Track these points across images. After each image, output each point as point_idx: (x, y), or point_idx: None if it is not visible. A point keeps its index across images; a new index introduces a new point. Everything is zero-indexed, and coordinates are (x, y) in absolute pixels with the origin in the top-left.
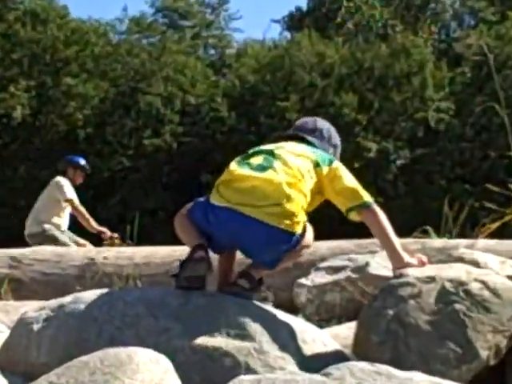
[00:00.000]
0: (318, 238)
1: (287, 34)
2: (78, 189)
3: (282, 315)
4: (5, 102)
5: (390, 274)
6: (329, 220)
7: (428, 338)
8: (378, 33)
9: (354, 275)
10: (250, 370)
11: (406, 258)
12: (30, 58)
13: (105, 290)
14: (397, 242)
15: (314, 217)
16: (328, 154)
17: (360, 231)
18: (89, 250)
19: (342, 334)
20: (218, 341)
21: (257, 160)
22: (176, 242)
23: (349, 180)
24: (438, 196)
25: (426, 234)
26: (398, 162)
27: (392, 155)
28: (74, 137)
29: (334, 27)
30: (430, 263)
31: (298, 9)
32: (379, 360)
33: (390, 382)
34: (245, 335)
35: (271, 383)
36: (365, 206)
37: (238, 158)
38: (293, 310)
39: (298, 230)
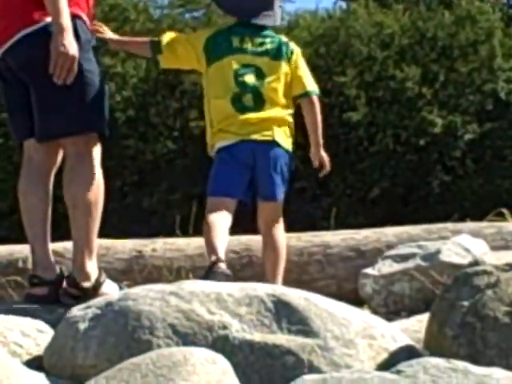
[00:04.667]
0: (382, 223)
1: (342, 3)
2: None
3: (346, 308)
4: None
5: (463, 261)
6: (392, 202)
7: (507, 331)
8: None
9: (424, 263)
10: (313, 369)
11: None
12: None
13: (156, 285)
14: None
15: (374, 200)
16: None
17: (425, 212)
18: (136, 242)
19: (412, 328)
20: (279, 338)
21: (249, 100)
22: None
23: (303, 67)
24: (511, 173)
25: (500, 216)
26: (466, 138)
27: (459, 130)
28: (114, 120)
29: None
30: (508, 249)
31: None
32: (454, 356)
33: (466, 379)
34: (308, 331)
35: (337, 383)
36: (307, 95)
37: (228, 101)
38: (358, 302)
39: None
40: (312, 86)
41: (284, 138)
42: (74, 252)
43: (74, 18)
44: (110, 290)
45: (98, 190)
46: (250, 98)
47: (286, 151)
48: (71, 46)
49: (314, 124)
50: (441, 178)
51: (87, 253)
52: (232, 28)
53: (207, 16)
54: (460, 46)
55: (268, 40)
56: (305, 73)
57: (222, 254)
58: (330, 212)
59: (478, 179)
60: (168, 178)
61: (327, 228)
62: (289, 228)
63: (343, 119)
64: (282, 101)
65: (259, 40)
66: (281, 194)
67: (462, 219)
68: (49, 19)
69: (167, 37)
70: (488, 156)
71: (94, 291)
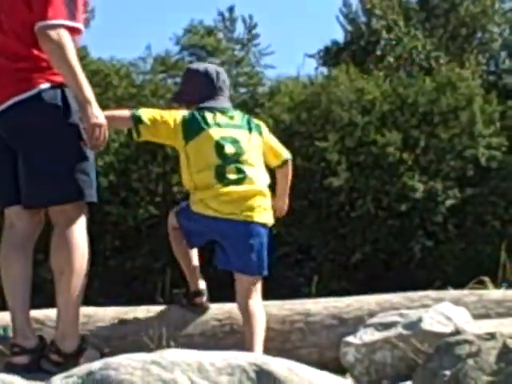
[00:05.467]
0: (365, 288)
1: (323, 70)
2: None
3: (328, 377)
4: None
5: (445, 330)
6: (374, 267)
7: None
8: (421, 66)
9: (405, 332)
10: None
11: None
12: None
13: (137, 354)
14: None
15: (356, 264)
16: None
17: (407, 277)
18: (117, 309)
19: None
20: None
21: (231, 171)
22: (212, 298)
23: (272, 138)
24: (492, 239)
25: (481, 284)
26: (448, 203)
27: (440, 196)
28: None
29: (373, 61)
30: (489, 317)
31: (335, 42)
32: None
33: None
34: None
35: None
36: (286, 164)
37: (212, 174)
38: (340, 370)
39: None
40: (286, 153)
41: (263, 213)
42: (58, 318)
43: (65, 86)
44: (92, 358)
45: (84, 258)
46: (232, 170)
47: (265, 226)
48: (101, 116)
49: (286, 185)
50: (422, 243)
51: (70, 320)
52: (203, 108)
53: None
54: (440, 112)
55: (235, 114)
56: (276, 143)
57: (201, 286)
58: (313, 277)
59: (460, 244)
60: (150, 243)
61: (309, 294)
62: (271, 294)
63: (324, 185)
64: (261, 171)
65: (229, 114)
66: (257, 269)
67: (443, 284)
68: (42, 86)
69: (147, 110)
70: (469, 221)
71: (76, 358)
